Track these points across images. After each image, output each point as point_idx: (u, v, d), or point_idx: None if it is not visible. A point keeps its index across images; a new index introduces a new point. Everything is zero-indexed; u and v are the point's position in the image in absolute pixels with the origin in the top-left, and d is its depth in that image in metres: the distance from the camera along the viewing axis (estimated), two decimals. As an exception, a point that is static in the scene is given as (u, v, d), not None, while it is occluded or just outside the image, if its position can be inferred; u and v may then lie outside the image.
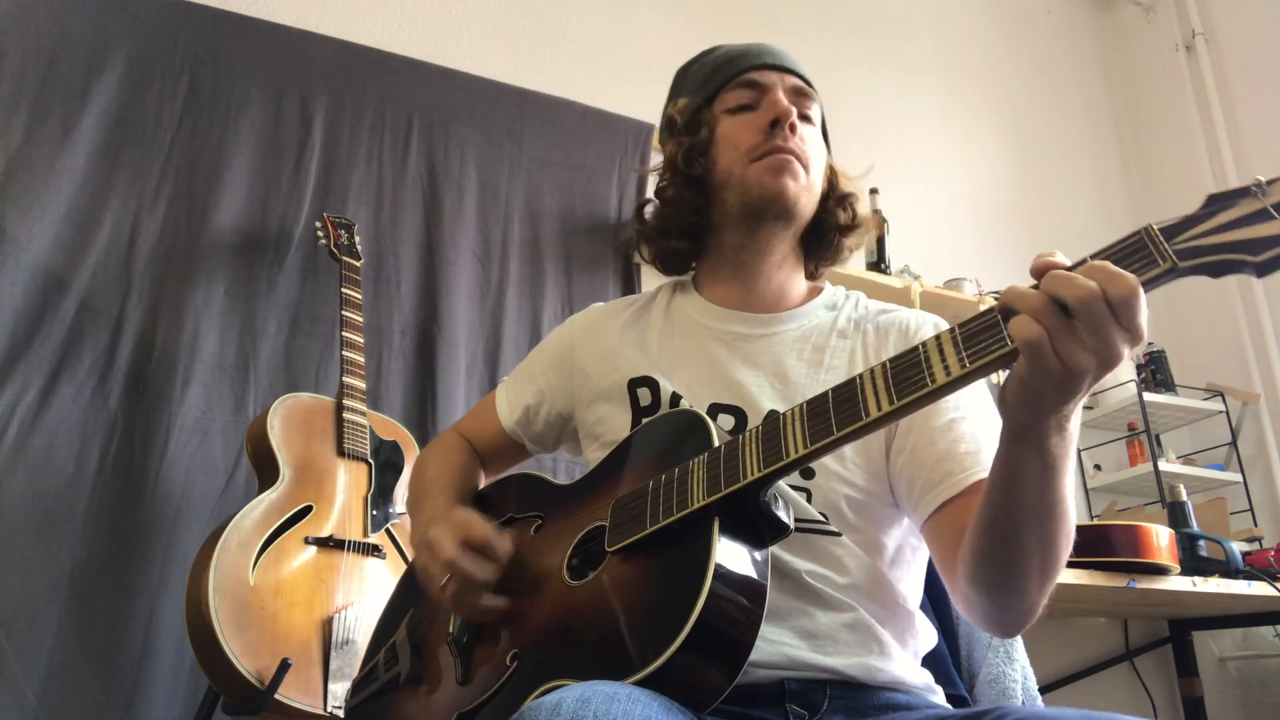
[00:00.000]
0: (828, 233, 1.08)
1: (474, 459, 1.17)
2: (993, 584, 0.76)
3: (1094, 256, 0.62)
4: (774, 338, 1.02)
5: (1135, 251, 0.62)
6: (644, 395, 1.00)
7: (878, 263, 2.74)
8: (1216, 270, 0.61)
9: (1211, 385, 3.14)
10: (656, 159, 2.63)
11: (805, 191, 1.01)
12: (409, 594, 1.06)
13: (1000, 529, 0.72)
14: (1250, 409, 3.16)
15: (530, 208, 2.49)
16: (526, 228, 2.47)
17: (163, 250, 2.02)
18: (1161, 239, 0.62)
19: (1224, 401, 3.09)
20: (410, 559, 1.07)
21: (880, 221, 2.76)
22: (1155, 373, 3.14)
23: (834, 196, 1.07)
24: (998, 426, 0.68)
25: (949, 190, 3.28)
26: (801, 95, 1.04)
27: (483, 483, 1.17)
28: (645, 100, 2.72)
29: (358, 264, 2.02)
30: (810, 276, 1.12)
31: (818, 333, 1.02)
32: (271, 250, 2.13)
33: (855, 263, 2.62)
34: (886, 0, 3.44)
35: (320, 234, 2.05)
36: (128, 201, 2.01)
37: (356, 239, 2.07)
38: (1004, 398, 0.66)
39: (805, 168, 1.01)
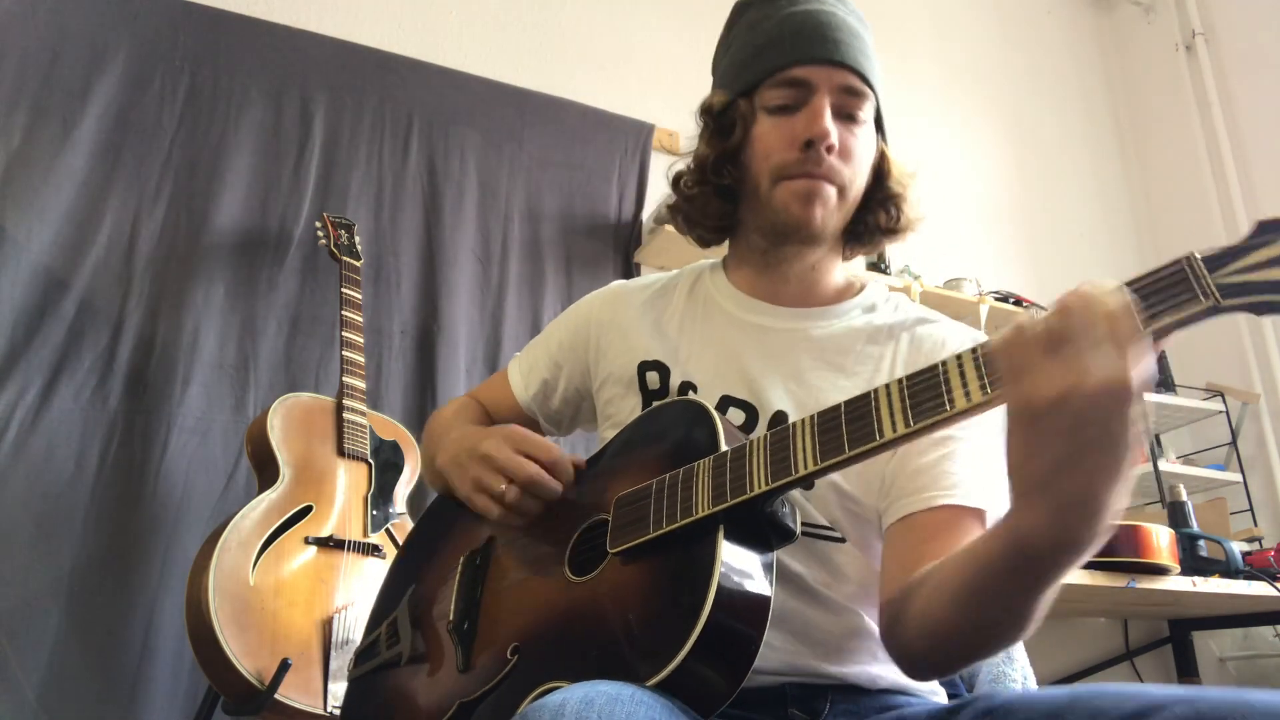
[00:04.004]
0: (868, 230, 1.02)
1: (489, 421, 1.14)
2: (929, 646, 0.73)
3: (1129, 285, 0.58)
4: (797, 335, 0.98)
5: (1174, 284, 0.57)
6: (652, 379, 0.99)
7: (878, 262, 2.74)
8: (1262, 309, 0.55)
9: (1211, 385, 3.13)
10: (658, 159, 2.66)
11: (836, 213, 0.96)
12: (410, 568, 1.05)
13: (968, 609, 0.68)
14: (1250, 409, 3.15)
15: (530, 208, 2.49)
16: (526, 228, 2.47)
17: (163, 250, 2.02)
18: (1204, 270, 0.56)
19: (1224, 401, 3.09)
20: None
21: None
22: (1155, 372, 3.13)
23: (878, 195, 1.00)
24: (999, 461, 0.61)
25: (949, 190, 3.27)
26: (851, 94, 0.94)
27: None
28: (645, 100, 2.72)
29: (358, 264, 2.02)
30: (845, 258, 1.06)
31: (846, 336, 0.97)
32: (271, 250, 2.13)
33: (856, 262, 2.61)
34: None
35: (320, 234, 2.05)
36: (128, 201, 2.01)
37: (356, 239, 2.07)
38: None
39: (840, 188, 0.94)
